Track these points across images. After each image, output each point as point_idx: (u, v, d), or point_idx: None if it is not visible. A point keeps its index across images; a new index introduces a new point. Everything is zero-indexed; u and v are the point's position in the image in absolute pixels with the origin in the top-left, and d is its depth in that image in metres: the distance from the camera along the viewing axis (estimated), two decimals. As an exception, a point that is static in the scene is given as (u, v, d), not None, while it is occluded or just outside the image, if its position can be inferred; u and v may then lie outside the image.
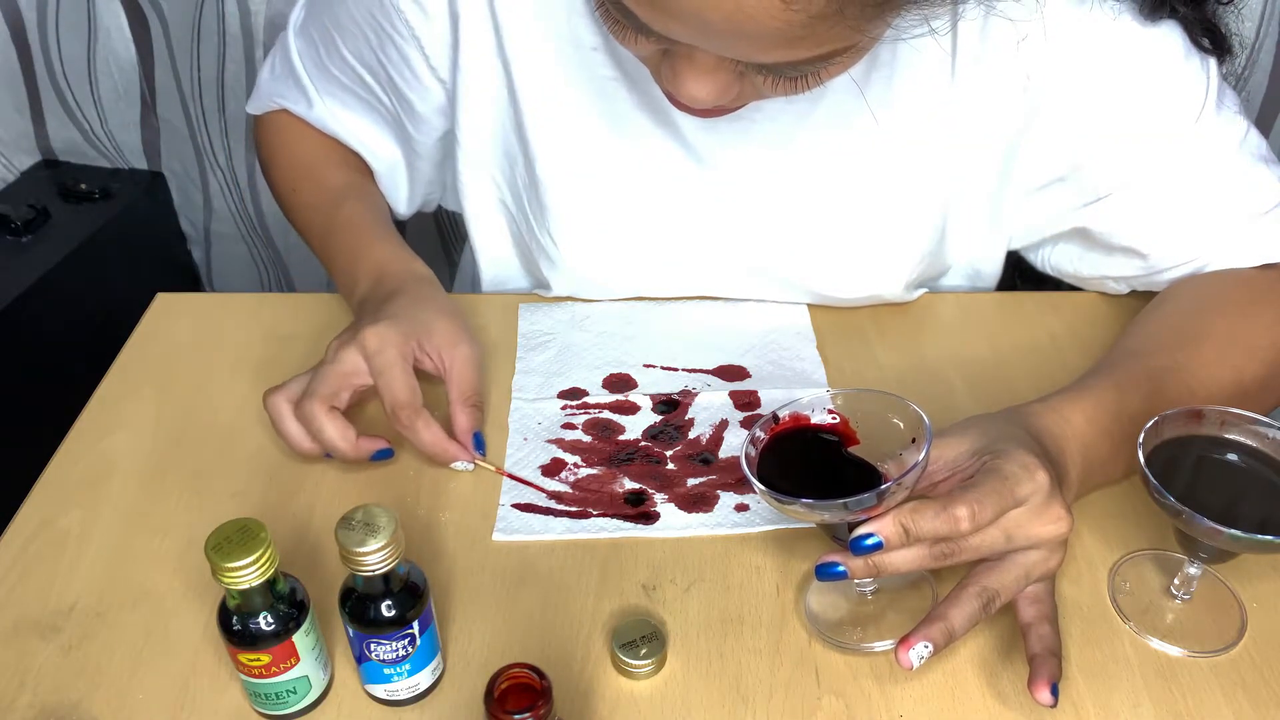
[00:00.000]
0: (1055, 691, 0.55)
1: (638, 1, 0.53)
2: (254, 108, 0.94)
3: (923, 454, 0.54)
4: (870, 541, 0.55)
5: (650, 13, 0.53)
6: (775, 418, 0.61)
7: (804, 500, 0.54)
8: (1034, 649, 0.57)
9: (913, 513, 0.54)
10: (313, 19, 0.86)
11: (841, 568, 0.56)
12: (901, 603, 0.63)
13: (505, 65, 0.77)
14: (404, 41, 0.79)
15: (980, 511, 0.54)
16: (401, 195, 0.92)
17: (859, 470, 0.59)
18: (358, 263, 0.80)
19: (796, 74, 0.57)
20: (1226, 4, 0.73)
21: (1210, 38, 0.73)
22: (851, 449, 0.61)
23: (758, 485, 0.55)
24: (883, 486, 0.53)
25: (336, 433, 0.68)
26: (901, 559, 0.56)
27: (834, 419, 0.61)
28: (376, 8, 0.78)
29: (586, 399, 0.78)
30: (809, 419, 0.61)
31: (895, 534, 0.55)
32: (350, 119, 0.88)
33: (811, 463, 0.60)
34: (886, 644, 0.60)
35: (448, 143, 0.86)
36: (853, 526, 0.55)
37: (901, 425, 0.58)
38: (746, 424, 0.76)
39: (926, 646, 0.55)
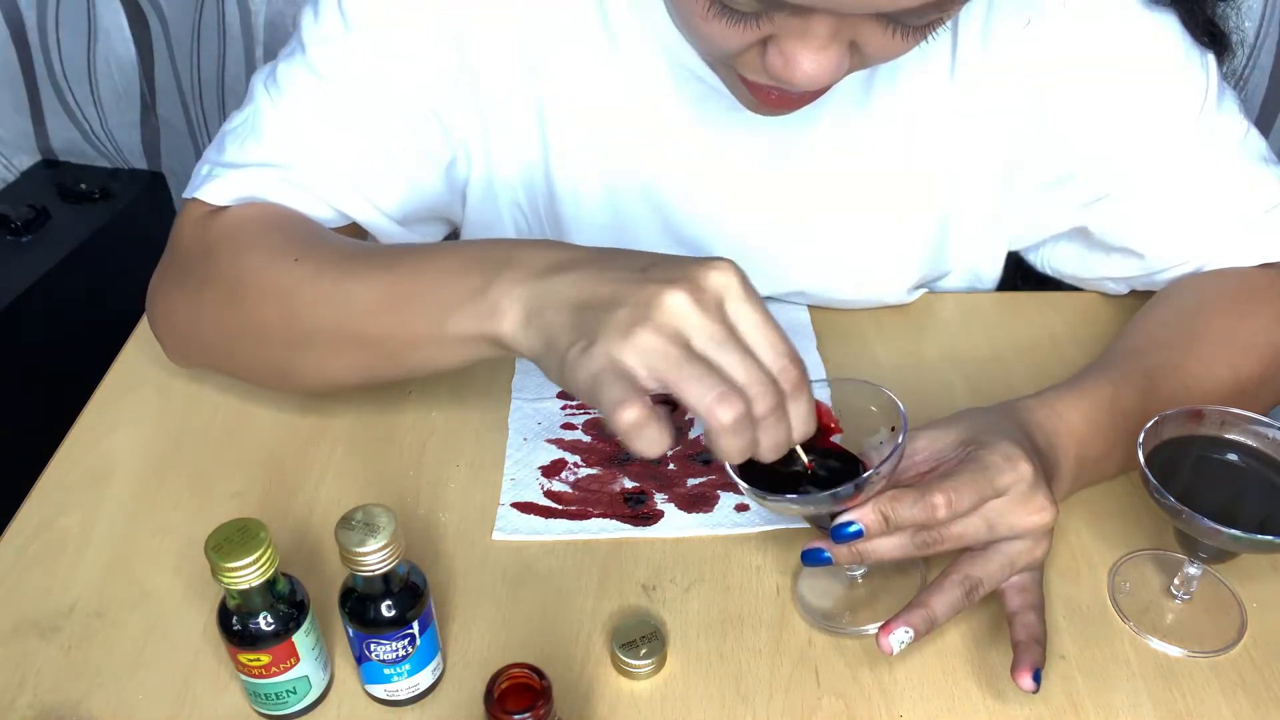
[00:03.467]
0: (1038, 677, 0.56)
1: None
2: (219, 192, 0.71)
3: (899, 441, 0.55)
4: (851, 529, 0.55)
5: None
6: None
7: (786, 496, 0.55)
8: (1018, 636, 0.58)
9: (891, 500, 0.55)
10: (290, 72, 0.73)
11: (827, 554, 0.57)
12: (891, 586, 0.64)
13: (535, 86, 0.76)
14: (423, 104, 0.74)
15: (957, 500, 0.55)
16: None
17: (841, 460, 0.59)
18: (480, 255, 0.60)
19: (932, 19, 0.55)
20: (1227, 1, 0.73)
21: (1211, 35, 0.73)
22: (834, 438, 0.61)
23: (740, 482, 0.56)
24: (859, 478, 0.54)
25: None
26: (884, 546, 0.57)
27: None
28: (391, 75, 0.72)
29: (586, 399, 0.78)
30: None
31: (875, 521, 0.55)
32: (362, 178, 0.73)
33: (794, 455, 0.60)
34: (874, 628, 0.60)
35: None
36: (836, 517, 0.56)
37: (880, 414, 0.59)
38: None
39: (907, 632, 0.56)
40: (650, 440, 0.50)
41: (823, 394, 0.61)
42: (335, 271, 0.64)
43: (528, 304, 0.55)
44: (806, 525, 0.66)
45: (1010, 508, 0.57)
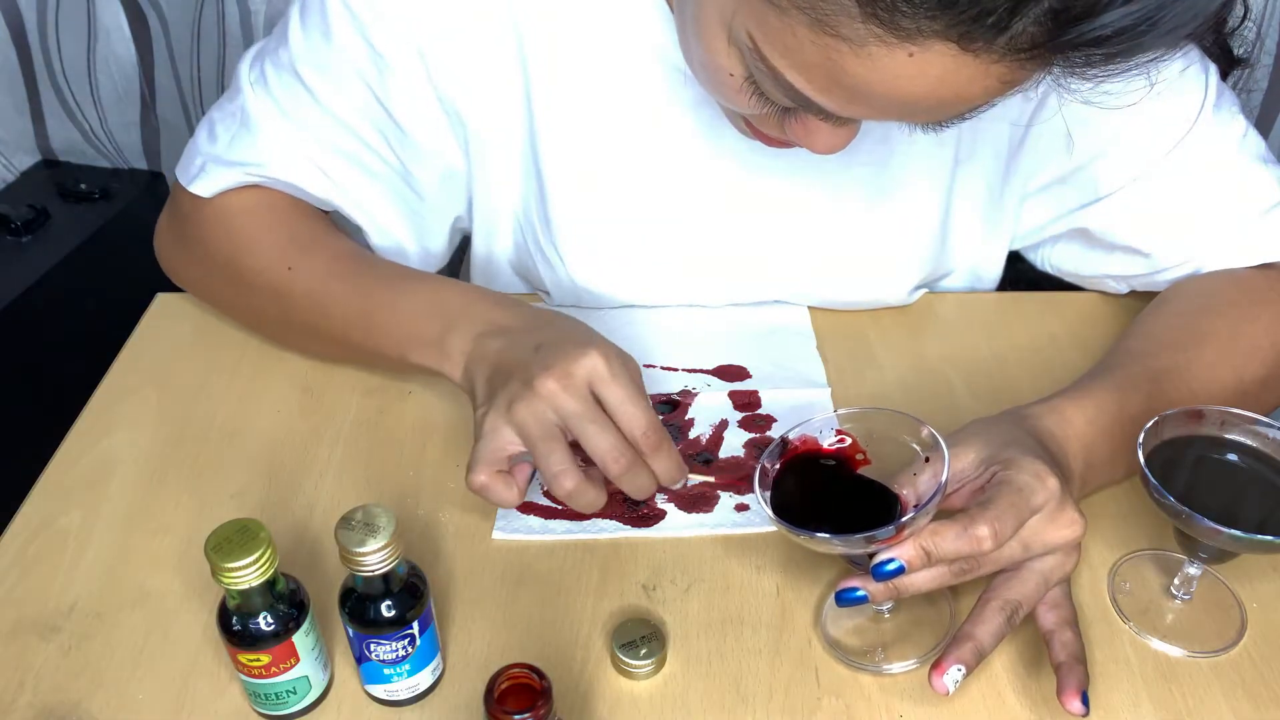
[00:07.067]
0: (1085, 700, 0.55)
1: (827, 93, 0.52)
2: (209, 186, 0.77)
3: (943, 479, 0.54)
4: (892, 566, 0.54)
5: (843, 104, 0.52)
6: (784, 443, 0.60)
7: (823, 535, 0.54)
8: (1059, 657, 0.57)
9: (933, 535, 0.54)
10: (277, 74, 0.76)
11: (862, 592, 0.56)
12: (920, 620, 0.63)
13: (527, 84, 0.76)
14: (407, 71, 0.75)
15: (1002, 530, 0.54)
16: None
17: (872, 491, 0.59)
18: (441, 303, 0.70)
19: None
20: (1237, 28, 0.73)
21: (1221, 52, 0.73)
22: (862, 469, 0.60)
23: (779, 521, 0.55)
24: (903, 518, 0.53)
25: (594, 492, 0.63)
26: (922, 580, 0.55)
27: (843, 441, 0.61)
28: (371, 47, 0.73)
29: (586, 399, 0.78)
30: (818, 442, 0.61)
31: (917, 557, 0.54)
32: (353, 186, 0.78)
33: (824, 487, 0.60)
34: (908, 664, 0.60)
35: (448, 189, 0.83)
36: (874, 554, 0.55)
37: (913, 445, 0.58)
38: (746, 424, 0.76)
39: (959, 669, 0.55)
40: (494, 498, 0.62)
41: (848, 425, 0.60)
42: (320, 290, 0.74)
43: (467, 358, 0.67)
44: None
45: (1043, 525, 0.56)
